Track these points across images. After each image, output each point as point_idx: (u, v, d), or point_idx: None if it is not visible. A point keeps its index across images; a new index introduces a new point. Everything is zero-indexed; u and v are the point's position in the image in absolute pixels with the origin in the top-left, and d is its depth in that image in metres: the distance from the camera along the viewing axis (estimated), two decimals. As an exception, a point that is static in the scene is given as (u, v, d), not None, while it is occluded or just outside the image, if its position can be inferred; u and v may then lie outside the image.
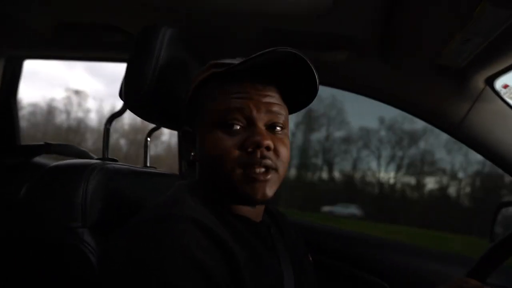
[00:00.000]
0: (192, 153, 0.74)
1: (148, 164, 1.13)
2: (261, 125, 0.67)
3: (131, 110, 0.92)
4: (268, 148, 0.65)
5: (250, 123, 0.67)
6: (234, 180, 0.66)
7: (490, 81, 1.08)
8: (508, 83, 1.07)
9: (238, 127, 0.67)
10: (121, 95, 0.91)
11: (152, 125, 1.15)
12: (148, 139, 1.15)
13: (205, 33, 1.23)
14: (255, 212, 0.74)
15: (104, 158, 0.93)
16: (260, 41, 1.20)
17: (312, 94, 0.74)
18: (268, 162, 0.66)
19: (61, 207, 0.72)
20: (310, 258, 0.89)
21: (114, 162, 0.87)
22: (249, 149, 0.65)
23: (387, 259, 1.30)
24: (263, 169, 0.66)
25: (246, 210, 0.72)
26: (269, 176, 0.66)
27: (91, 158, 1.10)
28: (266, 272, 0.66)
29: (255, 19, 1.11)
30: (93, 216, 0.73)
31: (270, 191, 0.67)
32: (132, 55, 0.88)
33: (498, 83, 1.08)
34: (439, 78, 1.14)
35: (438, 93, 1.16)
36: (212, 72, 0.70)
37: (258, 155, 0.65)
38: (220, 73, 0.69)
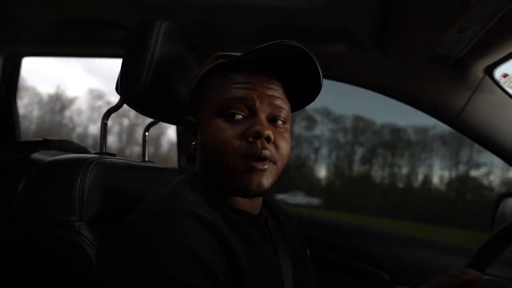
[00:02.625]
0: (194, 143, 0.75)
1: (146, 159, 1.13)
2: (263, 116, 0.67)
3: (128, 105, 0.91)
4: (268, 139, 0.65)
5: (252, 114, 0.67)
6: (232, 169, 0.66)
7: (490, 71, 1.07)
8: (508, 72, 1.06)
9: (240, 117, 0.67)
10: (118, 89, 0.91)
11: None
12: (146, 133, 1.15)
13: (202, 28, 1.22)
14: (252, 205, 0.74)
15: (101, 152, 0.93)
16: (258, 36, 1.20)
17: (315, 91, 0.73)
18: (267, 153, 0.66)
19: (58, 201, 0.72)
20: (309, 251, 0.89)
21: (111, 157, 0.87)
22: (250, 139, 0.65)
23: (387, 251, 1.30)
24: (261, 160, 0.66)
25: (243, 203, 0.72)
26: (266, 166, 0.66)
27: (90, 153, 1.09)
28: (265, 265, 0.66)
29: (253, 13, 1.11)
30: (91, 210, 0.73)
31: (266, 182, 0.67)
32: (128, 49, 0.88)
33: (498, 72, 1.08)
34: (438, 69, 1.13)
35: (437, 84, 1.15)
36: (217, 63, 0.71)
37: (259, 145, 0.65)
38: (225, 64, 0.70)
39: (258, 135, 0.65)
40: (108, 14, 1.27)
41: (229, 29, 1.22)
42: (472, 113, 1.13)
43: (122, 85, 0.87)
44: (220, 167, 0.67)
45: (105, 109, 0.94)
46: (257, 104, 0.67)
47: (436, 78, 1.15)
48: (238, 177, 0.66)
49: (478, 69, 1.07)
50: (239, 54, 0.69)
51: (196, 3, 1.11)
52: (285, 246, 0.77)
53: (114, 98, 0.99)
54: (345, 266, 1.32)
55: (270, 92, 0.68)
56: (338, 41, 1.18)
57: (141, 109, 0.94)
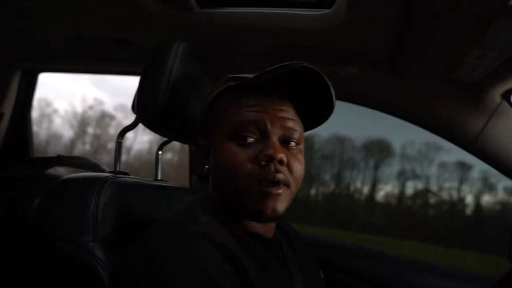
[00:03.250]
0: (206, 166, 0.74)
1: (159, 177, 1.13)
2: (274, 138, 0.66)
3: (143, 124, 0.92)
4: (281, 162, 0.65)
5: (264, 137, 0.66)
6: (245, 194, 0.65)
7: (507, 96, 1.06)
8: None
9: (252, 140, 0.66)
10: (134, 108, 0.92)
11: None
12: (160, 152, 1.15)
13: (217, 49, 1.23)
14: (266, 228, 0.73)
15: (115, 171, 0.93)
16: (273, 56, 1.21)
17: (328, 111, 0.72)
18: (281, 176, 0.65)
19: (72, 220, 0.72)
20: (322, 275, 0.88)
21: (125, 176, 0.86)
22: (262, 163, 0.64)
23: (401, 276, 1.27)
24: (275, 184, 0.64)
25: (257, 226, 0.71)
26: (280, 191, 0.65)
27: (103, 171, 1.10)
28: None
29: (268, 34, 1.12)
30: (104, 230, 0.73)
31: (280, 207, 0.66)
32: (145, 69, 0.89)
33: (515, 98, 1.07)
34: (454, 93, 1.12)
35: (453, 108, 1.14)
36: (228, 85, 0.71)
37: (272, 168, 0.64)
38: (236, 86, 0.69)
39: (271, 159, 0.64)
40: (124, 32, 1.29)
41: (242, 49, 1.23)
42: (489, 138, 1.12)
43: (139, 104, 0.87)
44: (234, 191, 0.66)
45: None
46: (269, 126, 0.66)
47: (452, 101, 1.14)
48: (252, 202, 0.65)
49: (496, 94, 1.06)
50: (250, 76, 0.69)
51: (209, 22, 1.12)
52: (299, 270, 0.76)
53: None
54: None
55: (281, 114, 0.68)
56: (352, 62, 1.18)
57: (156, 129, 0.94)
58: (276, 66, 0.64)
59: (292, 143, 0.69)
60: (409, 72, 1.12)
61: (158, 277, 0.54)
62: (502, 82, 1.00)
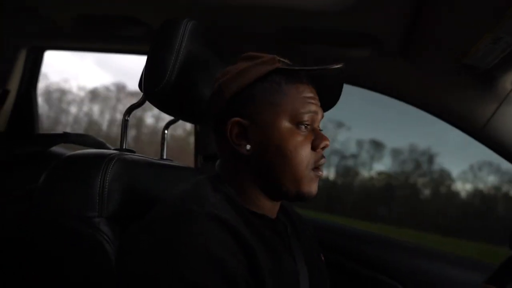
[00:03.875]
0: (248, 146, 0.70)
1: (164, 157, 1.13)
2: (318, 128, 0.74)
3: (150, 102, 0.91)
4: (326, 148, 0.73)
5: (313, 126, 0.72)
6: (300, 175, 0.69)
7: (518, 83, 1.04)
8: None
9: (308, 127, 0.71)
10: (141, 86, 0.91)
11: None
12: (166, 131, 1.15)
13: (226, 28, 1.22)
14: (273, 209, 0.75)
15: (121, 148, 0.93)
16: (282, 37, 1.19)
17: (331, 104, 0.80)
18: (325, 161, 0.73)
19: (78, 196, 0.72)
20: (323, 258, 0.89)
21: (131, 153, 0.86)
22: (317, 150, 0.71)
23: (402, 260, 1.28)
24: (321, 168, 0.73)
25: (264, 207, 0.72)
26: (323, 174, 0.73)
27: (109, 148, 1.10)
28: (284, 270, 0.66)
29: (277, 14, 1.10)
30: (110, 206, 0.73)
31: (317, 187, 0.73)
32: (153, 47, 0.88)
33: (526, 85, 1.05)
34: (465, 78, 1.10)
35: (462, 94, 1.13)
36: (277, 67, 0.71)
37: (321, 155, 0.72)
38: (287, 70, 0.72)
39: (325, 147, 0.72)
40: (131, 10, 1.28)
41: (250, 29, 1.21)
42: (498, 125, 1.11)
43: (146, 82, 0.87)
44: (289, 171, 0.69)
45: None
46: (319, 118, 0.73)
47: (462, 88, 1.13)
48: (305, 183, 0.70)
49: (507, 81, 1.04)
50: (287, 62, 0.74)
51: (216, 2, 1.11)
52: (302, 252, 0.77)
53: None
54: (359, 273, 1.30)
55: (319, 105, 0.74)
56: (361, 46, 1.16)
57: (163, 107, 0.94)
58: (334, 66, 0.69)
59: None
60: (419, 57, 1.10)
61: (165, 259, 0.55)
62: (514, 69, 0.99)
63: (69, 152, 0.81)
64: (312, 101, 0.72)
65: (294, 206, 0.94)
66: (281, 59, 0.74)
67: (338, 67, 0.69)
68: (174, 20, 0.89)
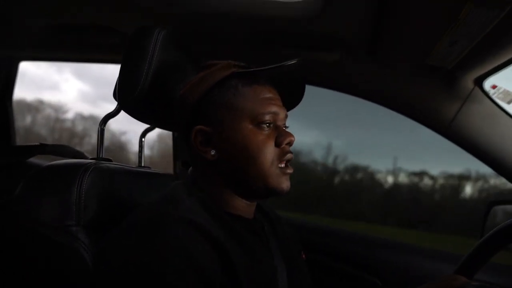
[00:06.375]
0: (213, 152, 0.72)
1: (142, 164, 1.14)
2: (281, 125, 0.76)
3: (125, 111, 0.92)
4: (291, 144, 0.75)
5: (276, 124, 0.74)
6: (267, 173, 0.71)
7: (479, 82, 1.09)
8: (496, 84, 1.09)
9: (270, 126, 0.73)
10: (115, 95, 0.92)
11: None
12: (143, 139, 1.16)
13: (197, 34, 1.23)
14: (248, 209, 0.76)
15: (98, 158, 0.94)
16: (253, 42, 1.21)
17: (294, 103, 0.83)
18: (292, 156, 0.74)
19: (55, 205, 0.73)
20: (304, 256, 0.91)
21: (108, 162, 0.87)
22: (282, 146, 0.72)
23: (379, 256, 1.32)
24: (288, 163, 0.74)
25: (240, 208, 0.74)
26: (292, 171, 0.74)
27: (87, 158, 1.10)
28: (260, 269, 0.68)
29: (248, 20, 1.12)
30: (88, 214, 0.74)
31: (289, 184, 0.74)
32: (126, 55, 0.88)
33: (487, 84, 1.10)
34: (430, 78, 1.15)
35: (428, 93, 1.18)
36: (233, 72, 0.73)
37: (288, 150, 0.73)
38: (242, 74, 0.73)
39: (290, 142, 0.73)
40: (105, 19, 1.28)
41: (223, 36, 1.23)
42: (463, 123, 1.16)
43: (120, 91, 0.88)
44: (256, 171, 0.71)
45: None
46: (281, 116, 0.75)
47: (428, 87, 1.18)
48: (273, 180, 0.71)
49: (468, 80, 1.09)
50: (243, 65, 0.76)
51: (190, 9, 1.12)
52: (280, 251, 0.79)
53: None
54: (337, 270, 1.33)
55: (281, 104, 0.76)
56: (331, 49, 1.19)
57: (138, 115, 0.95)
58: (288, 62, 0.71)
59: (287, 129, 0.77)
60: (386, 58, 1.14)
61: (138, 260, 0.56)
62: (474, 68, 1.04)
63: (46, 163, 0.82)
64: (272, 101, 0.73)
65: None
66: (238, 63, 0.76)
67: (291, 64, 0.71)
68: (146, 27, 0.89)
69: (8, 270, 0.75)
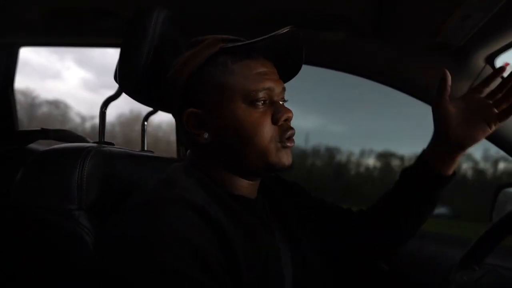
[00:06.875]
0: (206, 135, 0.69)
1: (145, 148, 1.13)
2: (279, 100, 0.71)
3: (126, 93, 0.91)
4: (289, 120, 0.71)
5: (272, 100, 0.70)
6: (266, 150, 0.68)
7: (491, 60, 1.06)
8: (509, 62, 1.05)
9: (265, 103, 0.69)
10: (116, 78, 0.90)
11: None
12: (145, 123, 1.14)
13: (200, 15, 1.21)
14: (251, 188, 0.74)
15: (100, 141, 0.93)
16: (256, 22, 1.19)
17: (292, 74, 0.78)
18: (294, 132, 0.71)
19: (56, 190, 0.72)
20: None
21: (110, 146, 0.86)
22: (280, 123, 0.69)
23: None
24: (290, 138, 0.71)
25: (243, 188, 0.72)
26: (293, 143, 0.71)
27: (88, 142, 1.09)
28: (262, 249, 0.67)
29: (250, 0, 1.10)
30: (89, 198, 0.73)
31: (291, 158, 0.71)
32: (126, 37, 0.86)
33: (499, 62, 1.07)
34: (438, 57, 1.12)
35: (436, 72, 1.14)
36: (221, 47, 0.69)
37: (288, 126, 0.70)
38: (231, 48, 0.69)
39: (287, 118, 0.70)
40: (104, 2, 1.25)
41: (223, 16, 1.20)
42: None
43: (120, 74, 0.86)
44: (254, 150, 0.68)
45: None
46: (277, 91, 0.70)
47: (436, 66, 1.14)
48: (272, 155, 0.69)
49: (479, 58, 1.06)
50: (233, 39, 0.70)
51: None
52: (283, 228, 0.77)
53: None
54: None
55: (278, 78, 0.72)
56: (336, 28, 1.16)
57: (140, 98, 0.93)
58: (279, 31, 0.66)
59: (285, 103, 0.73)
60: (393, 37, 1.11)
61: (139, 245, 0.56)
62: (485, 45, 1.01)
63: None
64: (266, 76, 0.69)
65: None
66: (226, 37, 0.71)
67: (285, 32, 0.66)
68: (146, 8, 0.87)
69: (10, 255, 0.75)
